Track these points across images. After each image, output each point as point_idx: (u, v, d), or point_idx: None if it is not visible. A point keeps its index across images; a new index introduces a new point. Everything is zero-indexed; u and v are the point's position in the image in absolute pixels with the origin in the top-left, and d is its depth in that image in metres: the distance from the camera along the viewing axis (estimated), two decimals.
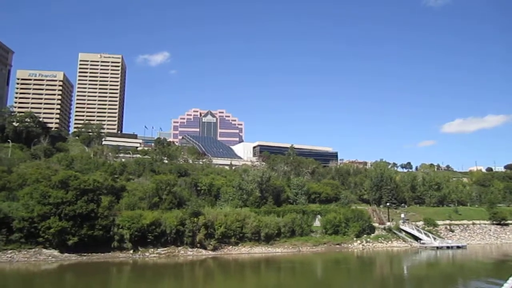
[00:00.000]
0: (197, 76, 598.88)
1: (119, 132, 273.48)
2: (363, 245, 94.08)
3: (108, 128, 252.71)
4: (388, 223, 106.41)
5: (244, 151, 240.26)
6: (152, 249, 74.10)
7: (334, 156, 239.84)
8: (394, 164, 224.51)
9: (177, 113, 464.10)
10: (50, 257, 66.03)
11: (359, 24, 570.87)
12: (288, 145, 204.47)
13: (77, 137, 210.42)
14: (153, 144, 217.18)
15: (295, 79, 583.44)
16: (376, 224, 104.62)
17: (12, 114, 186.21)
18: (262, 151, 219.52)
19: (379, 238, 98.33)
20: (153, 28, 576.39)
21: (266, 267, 71.15)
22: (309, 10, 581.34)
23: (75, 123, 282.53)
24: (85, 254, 67.79)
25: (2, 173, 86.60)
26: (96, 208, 70.35)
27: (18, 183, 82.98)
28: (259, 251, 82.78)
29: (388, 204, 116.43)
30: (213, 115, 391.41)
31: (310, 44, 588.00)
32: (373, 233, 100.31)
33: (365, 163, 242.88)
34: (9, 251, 64.61)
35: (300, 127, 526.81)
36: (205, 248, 77.99)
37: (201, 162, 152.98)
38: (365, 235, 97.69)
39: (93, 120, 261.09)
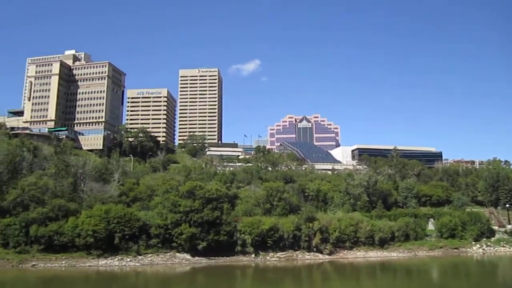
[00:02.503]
0: (288, 82, 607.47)
1: (219, 142, 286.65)
2: (483, 249, 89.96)
3: (209, 139, 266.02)
4: (509, 226, 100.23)
5: (343, 155, 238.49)
6: (271, 253, 78.35)
7: (438, 156, 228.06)
8: (507, 162, 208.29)
9: (272, 120, 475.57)
10: (183, 260, 73.41)
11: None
12: (388, 147, 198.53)
13: (183, 149, 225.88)
14: (253, 152, 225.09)
15: (389, 78, 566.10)
16: (495, 227, 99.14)
17: (127, 130, 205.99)
18: (361, 154, 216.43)
19: (501, 242, 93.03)
20: (244, 37, 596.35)
21: (382, 271, 71.98)
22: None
23: (179, 135, 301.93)
24: (212, 257, 74.16)
25: (133, 185, 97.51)
26: (220, 215, 76.41)
27: (147, 194, 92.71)
28: (374, 255, 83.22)
29: (507, 205, 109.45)
30: (308, 121, 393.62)
31: (392, 44, 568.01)
32: (493, 236, 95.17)
33: (473, 162, 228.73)
34: (149, 255, 73.08)
35: (397, 128, 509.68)
36: (321, 252, 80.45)
37: (303, 168, 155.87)
38: (484, 239, 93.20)
39: (195, 131, 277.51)
